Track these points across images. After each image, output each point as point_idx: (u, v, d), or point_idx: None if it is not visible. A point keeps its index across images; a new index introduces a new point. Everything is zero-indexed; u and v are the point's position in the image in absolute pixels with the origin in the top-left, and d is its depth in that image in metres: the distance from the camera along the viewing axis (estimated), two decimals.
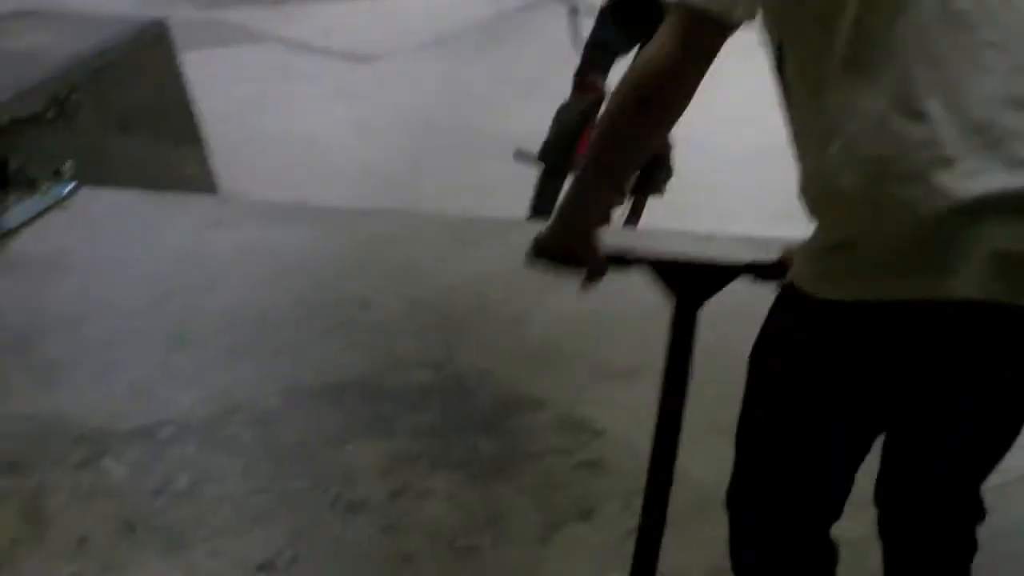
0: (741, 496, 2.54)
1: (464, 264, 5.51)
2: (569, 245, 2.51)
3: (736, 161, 7.78)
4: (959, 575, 2.56)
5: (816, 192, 2.15)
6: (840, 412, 2.28)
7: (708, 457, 3.42)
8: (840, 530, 2.52)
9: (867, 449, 2.37)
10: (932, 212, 1.97)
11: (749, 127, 7.15)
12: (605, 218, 2.53)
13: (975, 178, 1.96)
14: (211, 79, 8.85)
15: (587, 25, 6.22)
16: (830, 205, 2.11)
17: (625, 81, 2.30)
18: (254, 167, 8.14)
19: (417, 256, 5.62)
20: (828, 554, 2.56)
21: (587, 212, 2.50)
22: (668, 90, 2.25)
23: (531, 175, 6.33)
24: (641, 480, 3.83)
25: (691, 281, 2.51)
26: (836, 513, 2.49)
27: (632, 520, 3.66)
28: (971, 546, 2.55)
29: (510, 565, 3.51)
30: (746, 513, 2.55)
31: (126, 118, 7.26)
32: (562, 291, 5.17)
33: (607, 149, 2.38)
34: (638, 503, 3.72)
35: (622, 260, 2.54)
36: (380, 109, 9.07)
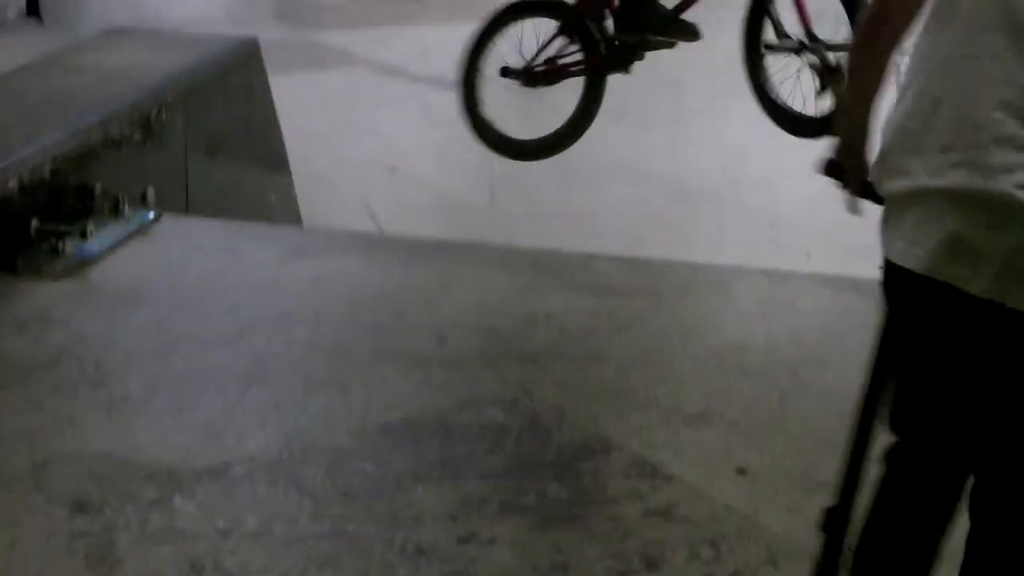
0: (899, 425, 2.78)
1: (543, 298, 5.50)
2: (844, 158, 2.88)
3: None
4: None
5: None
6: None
7: (780, 508, 3.39)
8: None
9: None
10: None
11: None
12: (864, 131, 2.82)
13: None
14: (299, 102, 8.90)
15: None
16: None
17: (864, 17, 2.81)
18: (337, 194, 8.17)
19: (496, 289, 5.61)
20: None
21: (853, 126, 2.83)
22: (892, 18, 2.66)
23: (615, 202, 6.35)
24: (710, 529, 3.82)
25: None
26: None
27: (700, 570, 3.64)
28: None
29: None
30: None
31: (214, 141, 7.31)
32: (637, 330, 5.20)
33: (858, 71, 2.81)
34: (707, 553, 3.71)
35: (871, 192, 2.76)
36: (466, 136, 9.06)
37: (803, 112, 6.20)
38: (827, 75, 5.94)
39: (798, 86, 6.19)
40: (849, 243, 5.89)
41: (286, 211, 7.69)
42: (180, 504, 3.96)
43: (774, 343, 5.08)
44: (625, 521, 3.90)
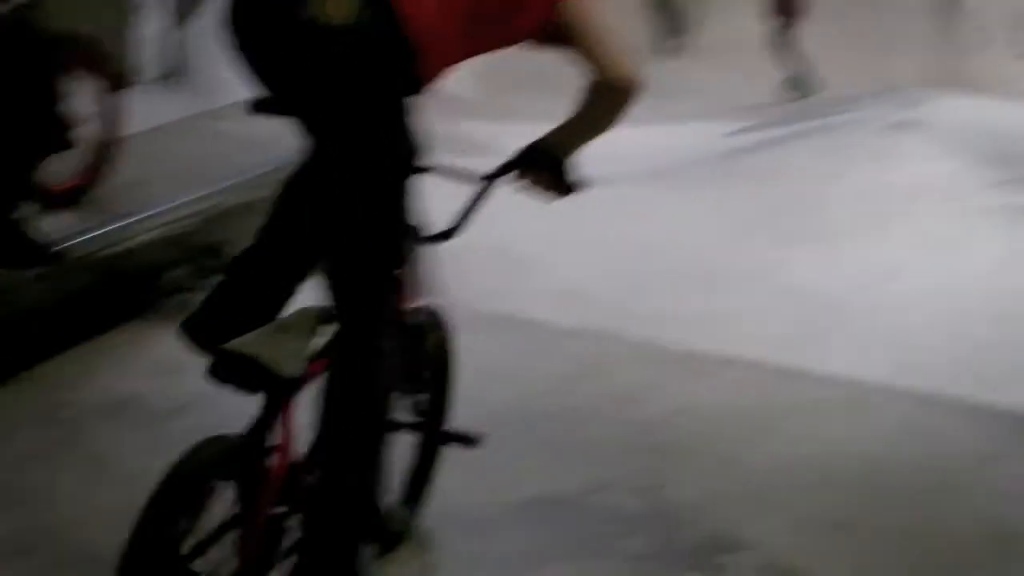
0: None
1: (678, 395, 5.44)
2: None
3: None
4: None
5: None
6: None
7: None
8: None
9: None
10: None
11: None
12: None
13: None
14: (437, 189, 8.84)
15: None
16: None
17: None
18: (461, 278, 8.09)
19: (628, 381, 5.54)
20: None
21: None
22: None
23: (757, 309, 6.26)
24: None
25: None
26: None
27: None
28: None
29: None
30: None
31: None
32: (773, 437, 5.04)
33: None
34: None
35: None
36: (591, 232, 9.00)
37: None
38: None
39: None
40: (998, 369, 5.73)
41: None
42: None
43: (915, 463, 4.92)
44: None
